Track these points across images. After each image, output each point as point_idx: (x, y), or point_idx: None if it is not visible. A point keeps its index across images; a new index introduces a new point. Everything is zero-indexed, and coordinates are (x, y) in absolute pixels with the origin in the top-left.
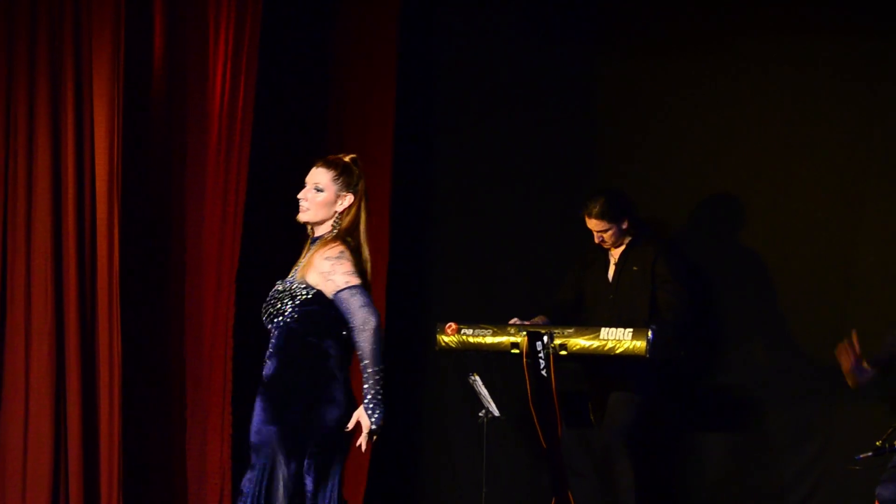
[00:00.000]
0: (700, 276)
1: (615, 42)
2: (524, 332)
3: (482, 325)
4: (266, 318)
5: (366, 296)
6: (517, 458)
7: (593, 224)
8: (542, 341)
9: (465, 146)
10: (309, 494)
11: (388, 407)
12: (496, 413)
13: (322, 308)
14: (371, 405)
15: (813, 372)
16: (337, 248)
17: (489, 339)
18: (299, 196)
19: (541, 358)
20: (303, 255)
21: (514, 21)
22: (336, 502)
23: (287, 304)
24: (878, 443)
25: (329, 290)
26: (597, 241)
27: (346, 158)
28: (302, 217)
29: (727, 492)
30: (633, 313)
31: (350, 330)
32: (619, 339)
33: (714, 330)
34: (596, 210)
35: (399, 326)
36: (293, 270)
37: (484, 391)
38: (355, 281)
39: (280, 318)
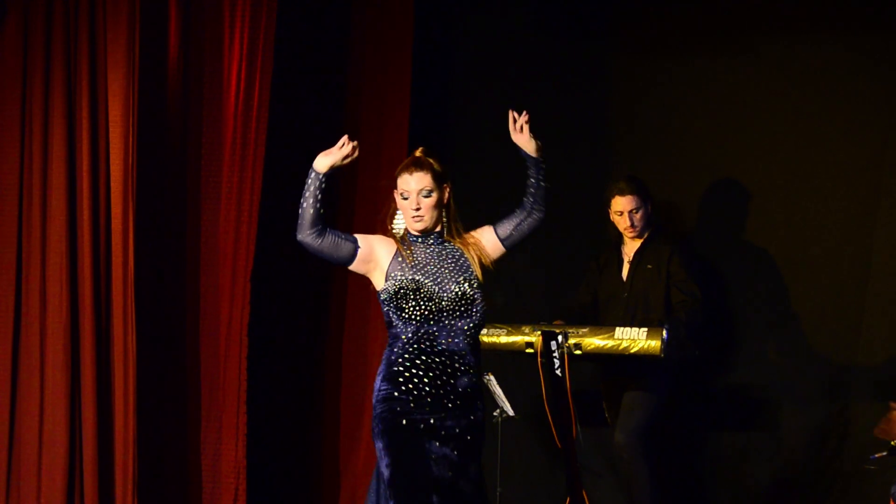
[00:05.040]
0: (715, 275)
1: (630, 39)
2: (539, 332)
3: (496, 325)
4: (443, 319)
5: None
6: (532, 458)
7: (626, 202)
8: (557, 341)
9: (481, 144)
10: None
11: None
12: (511, 413)
13: None
14: None
15: (828, 371)
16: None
17: (503, 339)
18: (414, 208)
19: (555, 357)
20: (406, 251)
21: (529, 18)
22: None
23: (474, 309)
24: (893, 442)
25: None
26: (625, 225)
27: (419, 153)
28: (419, 227)
29: (742, 491)
30: (647, 312)
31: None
32: (634, 339)
33: (729, 329)
34: (630, 187)
35: None
36: (421, 269)
37: (498, 391)
38: None
39: (470, 322)
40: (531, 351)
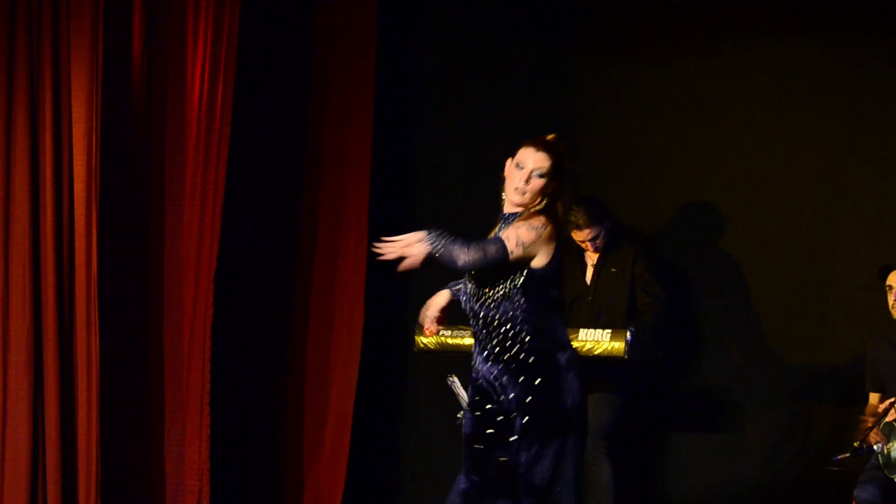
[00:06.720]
0: (679, 277)
1: (594, 43)
2: None
3: (460, 327)
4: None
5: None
6: None
7: (585, 234)
8: None
9: (445, 146)
10: None
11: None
12: None
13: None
14: None
15: (791, 372)
16: (540, 219)
17: (468, 341)
18: (522, 180)
19: None
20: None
21: (492, 22)
22: None
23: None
24: (855, 444)
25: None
26: (591, 249)
27: (551, 137)
28: (517, 200)
29: (705, 492)
30: (611, 315)
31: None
32: (598, 341)
33: (693, 331)
34: (584, 219)
35: (377, 327)
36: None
37: (462, 392)
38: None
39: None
40: None
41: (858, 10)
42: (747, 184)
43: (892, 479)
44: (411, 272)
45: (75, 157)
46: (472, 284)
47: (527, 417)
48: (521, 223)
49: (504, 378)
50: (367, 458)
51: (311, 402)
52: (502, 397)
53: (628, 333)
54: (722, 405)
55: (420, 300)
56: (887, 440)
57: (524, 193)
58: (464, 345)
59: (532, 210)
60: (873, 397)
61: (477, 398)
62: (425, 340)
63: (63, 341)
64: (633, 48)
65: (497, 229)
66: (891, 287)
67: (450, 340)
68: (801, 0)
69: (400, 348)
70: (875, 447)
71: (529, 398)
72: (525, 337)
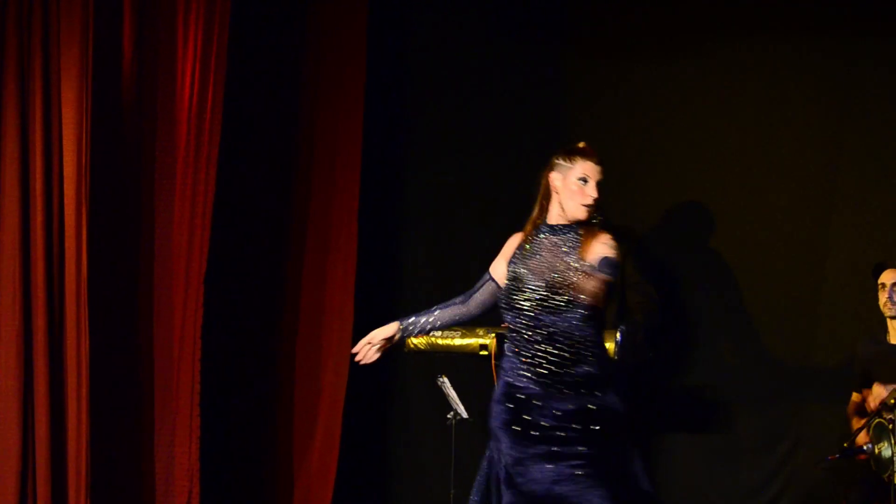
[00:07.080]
0: (669, 277)
1: (586, 44)
2: (493, 334)
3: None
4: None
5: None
6: None
7: None
8: None
9: (435, 146)
10: None
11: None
12: (464, 414)
13: None
14: None
15: (782, 374)
16: (609, 235)
17: (458, 341)
18: (594, 195)
19: None
20: (528, 242)
21: (486, 23)
22: None
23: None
24: (845, 444)
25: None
26: None
27: (586, 146)
28: (584, 215)
29: (696, 493)
30: None
31: None
32: None
33: (683, 331)
34: None
35: (368, 328)
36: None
37: (452, 393)
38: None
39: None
40: (485, 353)
41: (850, 13)
42: (738, 184)
43: (883, 479)
44: (402, 272)
45: (65, 158)
46: (541, 292)
47: (598, 426)
48: (604, 244)
49: (572, 381)
50: (358, 458)
51: (301, 403)
52: (556, 410)
53: (618, 333)
54: (712, 406)
55: (411, 301)
56: (878, 440)
57: (593, 207)
58: (454, 346)
59: (585, 223)
60: (856, 396)
61: (526, 417)
62: (415, 341)
63: (53, 341)
64: (624, 49)
65: (529, 236)
66: (883, 285)
67: (440, 341)
68: (793, 2)
69: (390, 349)
70: (865, 447)
71: (598, 407)
72: (588, 347)
